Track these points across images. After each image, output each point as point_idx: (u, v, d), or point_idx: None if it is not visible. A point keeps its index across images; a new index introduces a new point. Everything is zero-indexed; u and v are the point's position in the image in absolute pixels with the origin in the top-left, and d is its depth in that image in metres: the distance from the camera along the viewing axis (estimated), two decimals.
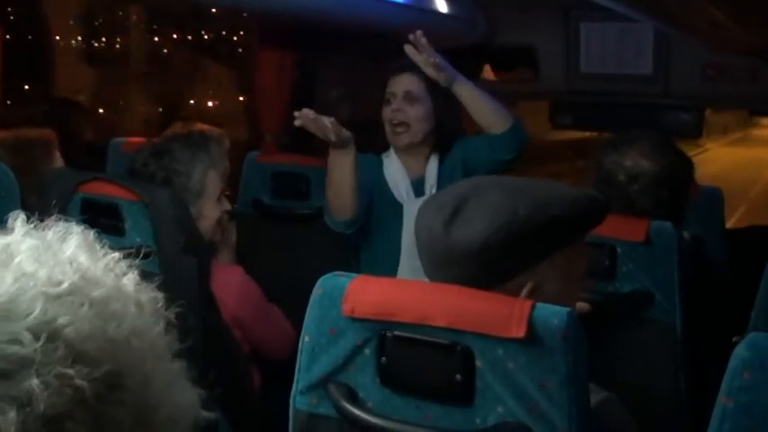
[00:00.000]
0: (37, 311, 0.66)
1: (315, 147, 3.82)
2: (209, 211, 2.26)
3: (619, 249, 1.91)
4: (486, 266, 1.36)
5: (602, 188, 2.14)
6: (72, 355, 0.65)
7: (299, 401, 1.38)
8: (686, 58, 3.57)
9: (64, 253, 0.72)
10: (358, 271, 2.65)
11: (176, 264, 1.93)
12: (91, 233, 0.77)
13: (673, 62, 3.64)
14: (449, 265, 1.36)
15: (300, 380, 1.38)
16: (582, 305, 1.88)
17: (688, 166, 2.20)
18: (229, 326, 2.10)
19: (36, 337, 0.64)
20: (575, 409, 1.21)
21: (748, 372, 1.09)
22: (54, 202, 1.99)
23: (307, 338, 1.36)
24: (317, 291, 1.36)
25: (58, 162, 2.98)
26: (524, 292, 1.37)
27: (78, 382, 0.64)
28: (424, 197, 2.51)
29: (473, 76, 4.06)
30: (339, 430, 1.35)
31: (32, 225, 0.75)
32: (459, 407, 1.26)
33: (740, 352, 1.11)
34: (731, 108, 4.08)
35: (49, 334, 0.65)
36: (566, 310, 1.22)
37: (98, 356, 0.66)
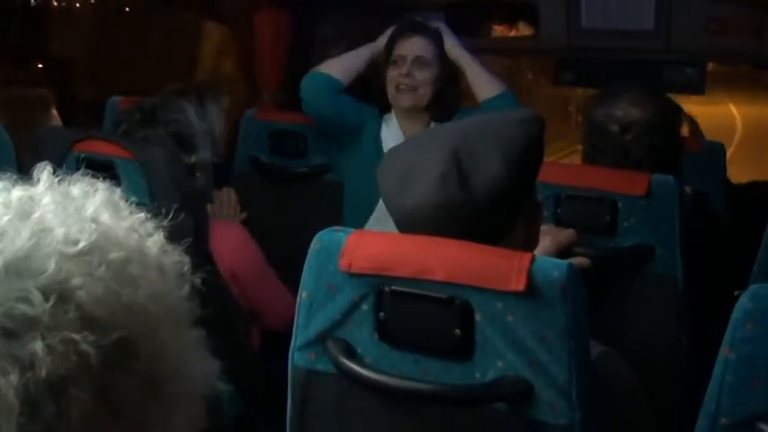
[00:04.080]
0: (50, 270, 0.63)
1: None
2: (211, 154, 2.26)
3: (620, 204, 1.89)
4: (511, 203, 1.33)
5: (594, 141, 2.13)
6: (81, 320, 0.63)
7: (297, 358, 1.37)
8: (689, 12, 3.52)
9: (86, 210, 0.70)
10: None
11: (173, 222, 1.91)
12: (117, 191, 0.75)
13: (675, 16, 3.59)
14: (472, 224, 1.30)
15: (298, 336, 1.37)
16: (583, 260, 1.86)
17: (677, 111, 2.20)
18: (227, 283, 2.09)
19: (46, 298, 0.62)
20: (574, 361, 1.19)
21: (751, 323, 1.07)
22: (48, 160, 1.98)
23: (304, 294, 1.35)
24: (314, 245, 1.34)
25: (56, 121, 2.96)
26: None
27: (84, 347, 0.62)
28: None
29: (476, 33, 4.03)
30: (337, 386, 1.34)
31: (56, 179, 0.73)
32: (458, 361, 1.25)
33: (743, 303, 1.09)
34: (735, 62, 4.05)
35: (59, 295, 0.63)
36: (565, 262, 1.21)
37: (109, 322, 0.64)
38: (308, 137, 2.81)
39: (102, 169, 2.03)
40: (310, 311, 1.35)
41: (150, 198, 1.96)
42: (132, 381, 0.65)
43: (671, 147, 2.12)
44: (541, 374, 1.20)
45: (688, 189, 2.21)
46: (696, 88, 3.80)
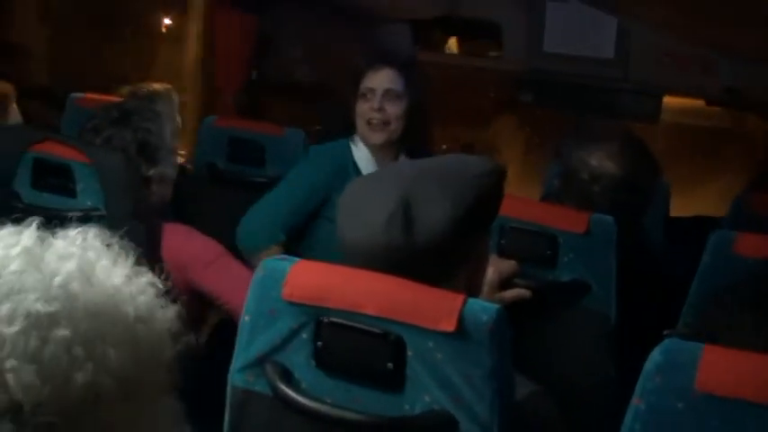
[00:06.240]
0: None
1: (274, 110, 3.85)
2: (173, 168, 2.28)
3: (560, 239, 1.96)
4: (452, 254, 1.39)
5: (563, 183, 2.17)
6: (7, 405, 0.61)
7: (236, 378, 1.42)
8: (647, 44, 3.63)
9: (55, 278, 0.68)
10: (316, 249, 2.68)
11: (124, 228, 1.94)
12: (102, 247, 0.73)
13: (634, 47, 3.70)
14: (412, 267, 1.35)
15: (239, 358, 1.42)
16: (522, 292, 1.93)
17: (653, 169, 2.21)
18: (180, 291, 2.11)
19: None
20: (497, 401, 1.26)
21: (660, 375, 1.14)
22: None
23: (247, 318, 1.40)
24: (258, 272, 1.39)
25: (15, 115, 2.97)
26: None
27: None
28: None
29: (438, 48, 4.10)
30: (272, 408, 1.39)
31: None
32: (388, 393, 1.31)
33: (655, 356, 1.16)
34: (687, 96, 4.16)
35: None
36: (495, 306, 1.27)
37: (37, 408, 0.62)
38: (267, 147, 2.85)
39: (58, 172, 2.06)
40: (252, 334, 1.39)
41: (104, 204, 1.99)
42: None
43: (635, 205, 2.15)
44: (465, 411, 1.26)
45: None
46: (651, 118, 3.92)
